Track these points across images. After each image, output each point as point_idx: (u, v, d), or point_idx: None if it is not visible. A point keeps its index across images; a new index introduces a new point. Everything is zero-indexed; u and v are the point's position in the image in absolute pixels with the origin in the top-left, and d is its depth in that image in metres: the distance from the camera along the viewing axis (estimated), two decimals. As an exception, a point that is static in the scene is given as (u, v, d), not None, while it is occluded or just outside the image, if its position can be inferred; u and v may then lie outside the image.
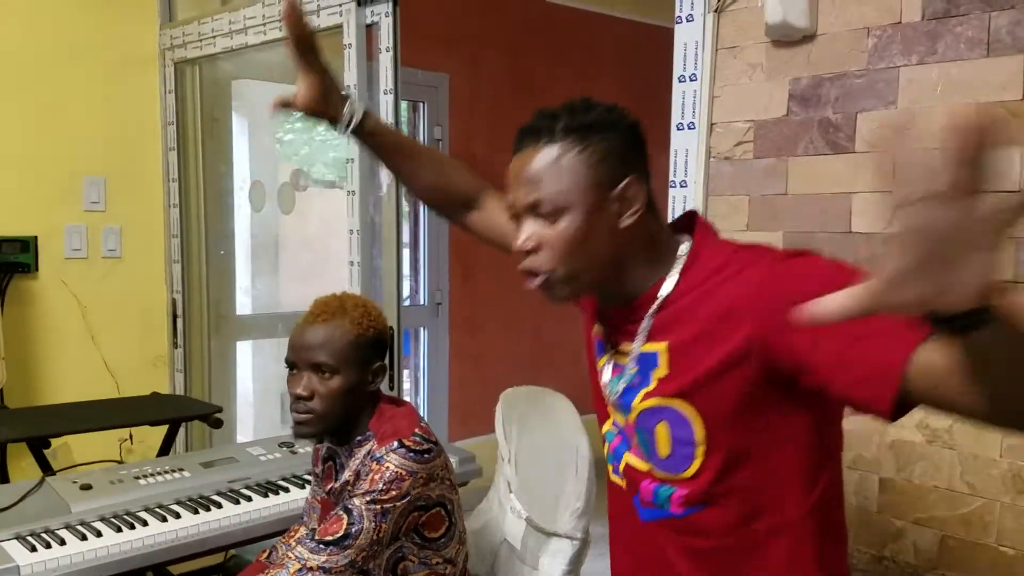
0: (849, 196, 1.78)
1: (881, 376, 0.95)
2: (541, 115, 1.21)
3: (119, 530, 1.89)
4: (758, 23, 1.87)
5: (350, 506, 1.56)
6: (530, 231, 1.19)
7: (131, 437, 3.25)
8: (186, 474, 2.17)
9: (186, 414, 2.75)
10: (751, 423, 1.14)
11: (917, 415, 1.68)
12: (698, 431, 1.16)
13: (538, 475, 1.86)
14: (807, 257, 1.13)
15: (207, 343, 3.55)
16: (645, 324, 1.21)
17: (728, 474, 1.16)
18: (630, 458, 1.27)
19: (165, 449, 2.63)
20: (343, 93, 1.50)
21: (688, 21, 1.96)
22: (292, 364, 1.68)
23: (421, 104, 4.36)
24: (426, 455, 1.61)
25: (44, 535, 1.83)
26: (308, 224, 4.95)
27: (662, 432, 1.19)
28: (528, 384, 4.65)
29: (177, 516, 1.98)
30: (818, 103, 1.81)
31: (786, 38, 1.83)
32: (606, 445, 1.34)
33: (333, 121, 1.50)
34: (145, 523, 1.93)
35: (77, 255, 3.26)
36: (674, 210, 2.01)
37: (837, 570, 1.24)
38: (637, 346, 1.22)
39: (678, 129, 2.00)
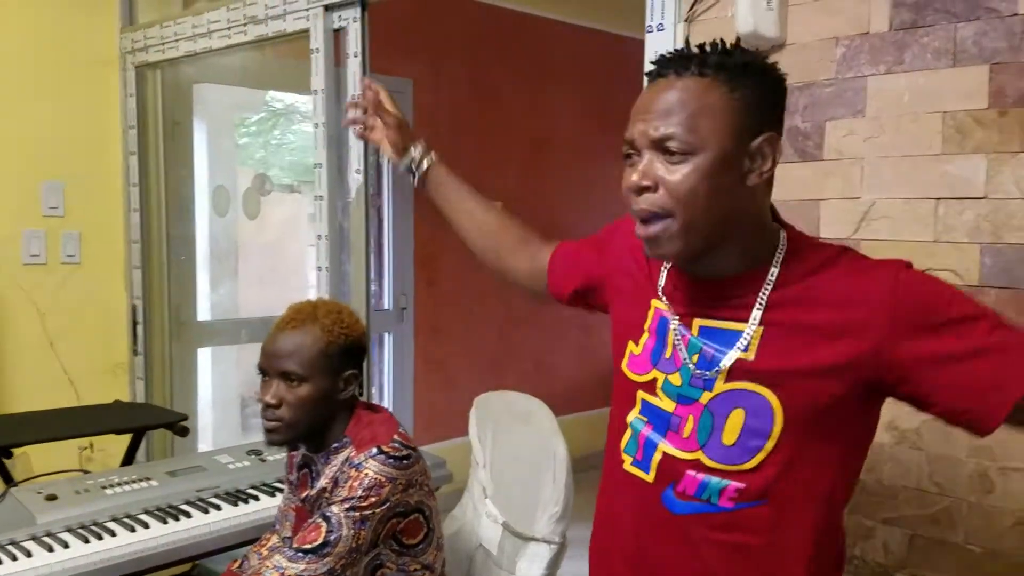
0: (817, 203, 1.81)
1: (998, 392, 1.02)
2: (686, 49, 1.13)
3: (86, 541, 1.86)
4: (727, 33, 1.88)
5: (328, 514, 1.55)
6: (649, 168, 1.09)
7: (91, 446, 3.19)
8: (153, 483, 2.13)
9: (151, 422, 2.71)
10: (830, 426, 1.13)
11: (886, 417, 1.72)
12: (776, 424, 1.12)
13: (514, 480, 1.87)
14: (917, 271, 1.14)
15: (168, 350, 3.50)
16: (760, 301, 1.13)
17: (791, 472, 1.13)
18: (667, 447, 1.18)
19: (129, 458, 2.59)
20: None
21: (659, 30, 1.98)
22: (263, 371, 1.67)
23: (384, 109, 4.34)
24: (405, 461, 1.61)
25: (10, 547, 1.79)
26: (268, 229, 4.92)
27: (735, 419, 1.13)
28: (493, 389, 4.65)
29: (146, 526, 1.95)
30: (787, 111, 1.84)
31: (755, 48, 1.86)
32: (628, 435, 1.24)
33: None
34: (113, 533, 1.90)
35: (35, 261, 3.19)
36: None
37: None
38: (751, 326, 1.13)
39: (650, 136, 2.02)
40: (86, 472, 2.69)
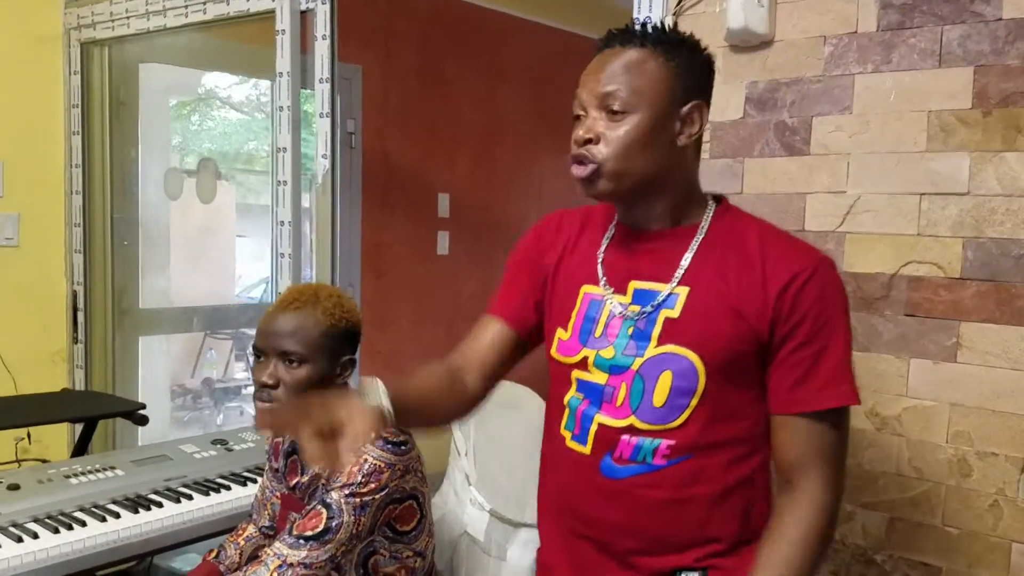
0: (804, 196, 1.86)
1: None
2: (629, 25, 1.29)
3: (56, 531, 1.78)
4: (716, 28, 1.92)
5: (328, 500, 1.53)
6: (593, 124, 1.24)
7: (28, 436, 3.06)
8: (119, 472, 2.06)
9: (107, 411, 2.61)
10: (742, 377, 1.26)
11: (867, 404, 1.78)
12: (700, 382, 1.24)
13: (501, 467, 1.86)
14: (830, 274, 1.28)
15: (111, 338, 3.38)
16: (685, 261, 1.28)
17: (713, 426, 1.25)
18: (603, 418, 1.29)
19: (82, 449, 2.48)
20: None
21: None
22: (259, 351, 1.63)
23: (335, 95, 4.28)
24: (403, 447, 1.59)
25: (-24, 538, 1.71)
26: (194, 217, 4.78)
27: (664, 381, 1.25)
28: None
29: (117, 516, 1.88)
30: (775, 107, 1.89)
31: (744, 43, 1.90)
32: (566, 414, 1.34)
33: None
34: (83, 524, 1.83)
35: (-29, 243, 3.05)
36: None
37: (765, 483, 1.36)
38: (671, 286, 1.27)
39: (635, 127, 2.04)
40: (20, 463, 2.58)
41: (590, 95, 1.25)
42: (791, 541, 1.22)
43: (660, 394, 1.25)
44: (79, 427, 2.52)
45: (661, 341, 1.26)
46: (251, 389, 5.69)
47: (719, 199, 1.36)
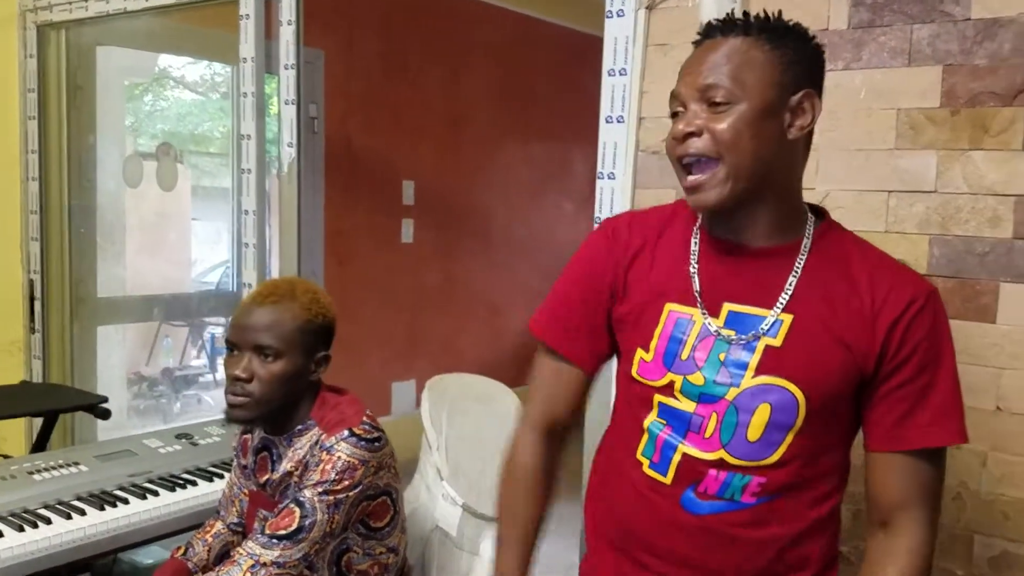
0: (774, 192, 1.87)
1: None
2: (733, 14, 1.20)
3: (21, 529, 1.76)
4: (689, 22, 1.92)
5: (301, 499, 1.51)
6: (695, 117, 1.15)
7: (-20, 431, 3.00)
8: (83, 468, 2.03)
9: (68, 404, 2.56)
10: (838, 413, 1.20)
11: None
12: (799, 417, 1.16)
13: (473, 462, 1.86)
14: (938, 304, 1.21)
15: (68, 327, 3.32)
16: (790, 285, 1.18)
17: (809, 462, 1.18)
18: (688, 448, 1.20)
19: (42, 443, 2.43)
20: None
21: (619, 16, 2.00)
22: (233, 344, 1.60)
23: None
24: (376, 443, 1.59)
25: (-61, 538, 1.67)
26: (148, 202, 4.70)
27: (761, 414, 1.16)
28: (402, 371, 4.63)
29: (82, 513, 1.85)
30: (746, 102, 1.89)
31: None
32: (645, 439, 1.25)
33: None
34: (48, 521, 1.80)
35: (-77, 231, 2.97)
36: (602, 202, 2.06)
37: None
38: (776, 313, 1.18)
39: (607, 122, 2.04)
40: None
41: (689, 89, 1.16)
42: None
43: (756, 428, 1.16)
44: (37, 420, 2.48)
45: (760, 371, 1.17)
46: (208, 377, 5.63)
47: (819, 212, 1.27)
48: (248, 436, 1.77)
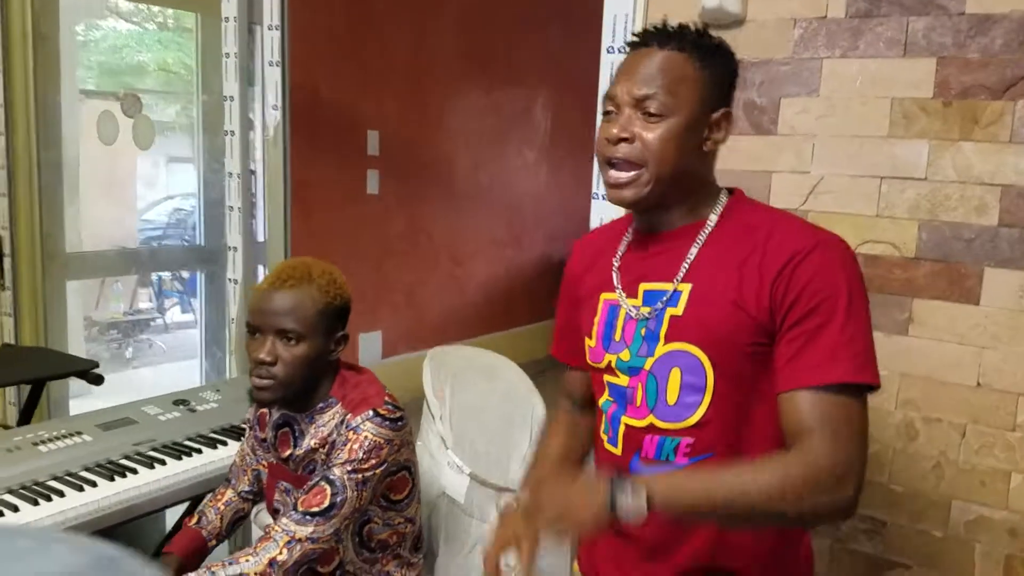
0: (769, 175, 1.94)
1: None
2: (666, 24, 1.28)
3: (36, 503, 1.77)
4: (691, 4, 1.97)
5: (332, 477, 1.57)
6: (628, 123, 1.24)
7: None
8: (86, 438, 2.04)
9: (59, 371, 2.54)
10: (753, 368, 1.24)
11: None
12: (709, 378, 1.24)
13: (480, 433, 1.93)
14: (840, 258, 1.23)
15: (41, 284, 3.27)
16: (689, 258, 1.28)
17: (736, 426, 1.26)
18: (628, 419, 1.32)
19: (28, 414, 2.42)
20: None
21: (620, -6, 2.03)
22: (255, 328, 1.63)
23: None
24: (399, 422, 1.64)
25: (-43, 514, 1.69)
26: (90, 148, 4.57)
27: (674, 378, 1.26)
28: (366, 322, 4.65)
29: (93, 484, 1.87)
30: (743, 86, 1.95)
31: (716, 22, 1.95)
32: (602, 419, 1.37)
33: None
34: (62, 494, 1.82)
35: None
36: (597, 177, 2.11)
37: None
38: (675, 284, 1.28)
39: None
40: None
41: (626, 94, 1.25)
42: (743, 469, 1.17)
43: (672, 392, 1.26)
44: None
45: (668, 339, 1.27)
46: (159, 321, 5.58)
47: (732, 192, 1.36)
48: (265, 411, 1.81)
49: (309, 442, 1.68)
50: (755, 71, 1.94)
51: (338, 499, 1.56)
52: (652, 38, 1.27)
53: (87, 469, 1.94)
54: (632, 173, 1.25)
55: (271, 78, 2.58)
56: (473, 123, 5.29)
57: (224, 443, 2.14)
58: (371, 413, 1.61)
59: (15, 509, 1.74)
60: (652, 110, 1.23)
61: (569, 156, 5.94)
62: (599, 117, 2.07)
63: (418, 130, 4.94)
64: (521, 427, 1.81)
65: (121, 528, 1.89)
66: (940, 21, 1.76)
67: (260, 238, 3.13)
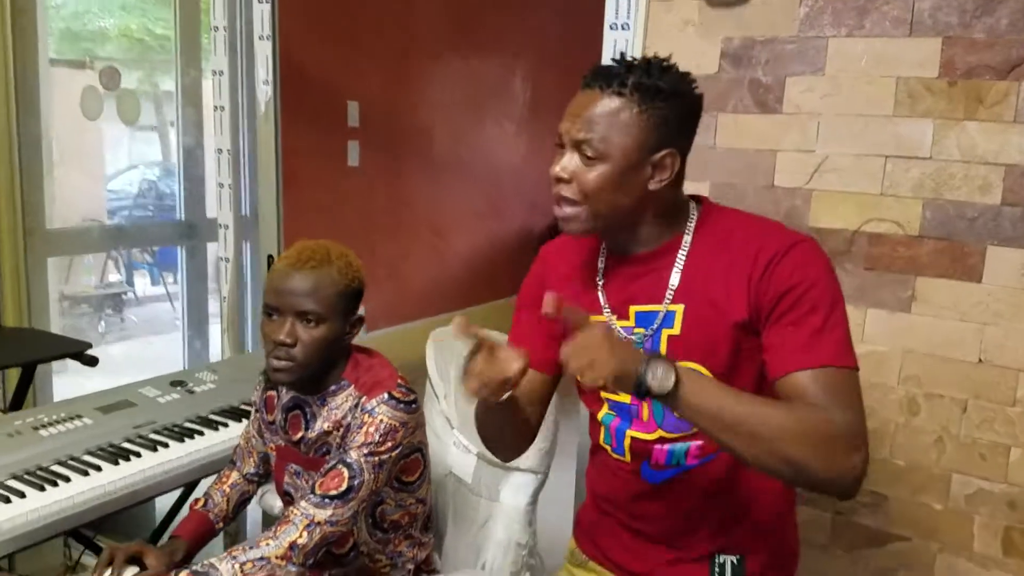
0: (774, 153, 1.95)
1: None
2: (619, 63, 1.30)
3: (42, 489, 1.75)
4: (696, -20, 1.96)
5: (349, 460, 1.57)
6: (568, 163, 1.30)
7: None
8: (87, 421, 2.02)
9: (51, 352, 2.49)
10: (750, 368, 1.31)
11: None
12: None
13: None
14: (813, 257, 1.30)
15: (23, 261, 3.20)
16: (674, 280, 1.33)
17: None
18: (634, 432, 1.40)
19: (20, 398, 2.37)
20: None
21: (624, -29, 2.01)
22: (273, 309, 1.62)
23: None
24: (413, 405, 1.64)
25: (-38, 502, 1.67)
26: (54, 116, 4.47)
27: None
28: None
29: (98, 469, 1.85)
30: (749, 63, 1.95)
31: (722, 0, 1.94)
32: (603, 430, 1.46)
33: None
34: (67, 479, 1.80)
35: None
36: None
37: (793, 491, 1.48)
38: (665, 305, 1.33)
39: (608, 76, 2.07)
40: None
41: (567, 136, 1.30)
42: (768, 401, 1.21)
43: None
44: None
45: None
46: (130, 296, 5.51)
47: (699, 202, 1.40)
48: (273, 393, 1.79)
49: (321, 425, 1.67)
50: (760, 49, 1.94)
51: (356, 482, 1.55)
52: (596, 79, 1.29)
53: (90, 453, 1.92)
54: (573, 210, 1.31)
55: (261, 52, 2.53)
56: (453, 94, 5.25)
57: (225, 425, 2.13)
58: (386, 396, 1.61)
59: (22, 495, 1.72)
60: (588, 154, 1.28)
61: (549, 127, 5.90)
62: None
63: (399, 101, 4.89)
64: (530, 406, 1.81)
65: (114, 515, 1.87)
66: (946, 0, 1.77)
67: (242, 212, 3.10)
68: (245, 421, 2.14)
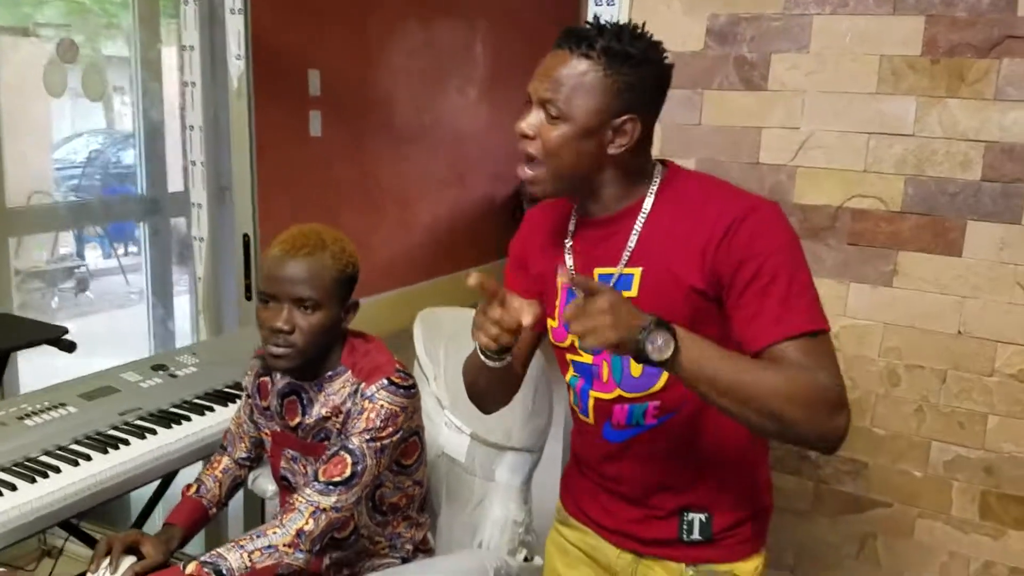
0: (759, 130, 1.97)
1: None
2: (592, 26, 1.31)
3: (33, 481, 1.73)
4: (680, -43, 1.96)
5: (351, 446, 1.57)
6: (533, 120, 1.32)
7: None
8: (71, 409, 1.99)
9: (29, 339, 2.43)
10: (709, 331, 1.28)
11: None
12: None
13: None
14: (774, 219, 1.31)
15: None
16: (631, 242, 1.35)
17: None
18: (596, 393, 1.43)
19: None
20: None
21: (608, -54, 2.00)
22: (270, 296, 1.61)
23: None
24: (412, 390, 1.65)
25: (-48, 497, 1.64)
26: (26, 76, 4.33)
27: None
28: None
29: (88, 458, 1.83)
30: (734, 41, 1.97)
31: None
32: (571, 392, 1.50)
33: None
34: (58, 470, 1.77)
35: None
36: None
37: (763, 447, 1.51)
38: (620, 268, 1.36)
39: (593, 53, 2.06)
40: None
41: (534, 94, 1.32)
42: (760, 364, 1.23)
43: (636, 366, 1.35)
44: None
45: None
46: (82, 270, 5.39)
47: (665, 165, 1.41)
48: (267, 379, 1.78)
49: (319, 410, 1.67)
50: (746, 26, 1.95)
51: (359, 468, 1.56)
52: (567, 41, 1.30)
53: (77, 442, 1.90)
54: (534, 172, 1.34)
55: (232, 27, 2.48)
56: (415, 60, 5.20)
57: (211, 409, 2.11)
58: (385, 382, 1.61)
59: (13, 488, 1.70)
60: (552, 113, 1.30)
61: (511, 93, 5.88)
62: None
63: (360, 69, 4.83)
64: (524, 387, 1.82)
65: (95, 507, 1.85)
66: (929, -21, 1.80)
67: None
68: (231, 405, 2.13)
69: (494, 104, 5.89)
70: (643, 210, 1.36)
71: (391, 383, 1.61)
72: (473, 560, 1.76)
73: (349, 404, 1.63)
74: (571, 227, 1.45)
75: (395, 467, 1.70)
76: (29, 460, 1.80)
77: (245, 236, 2.58)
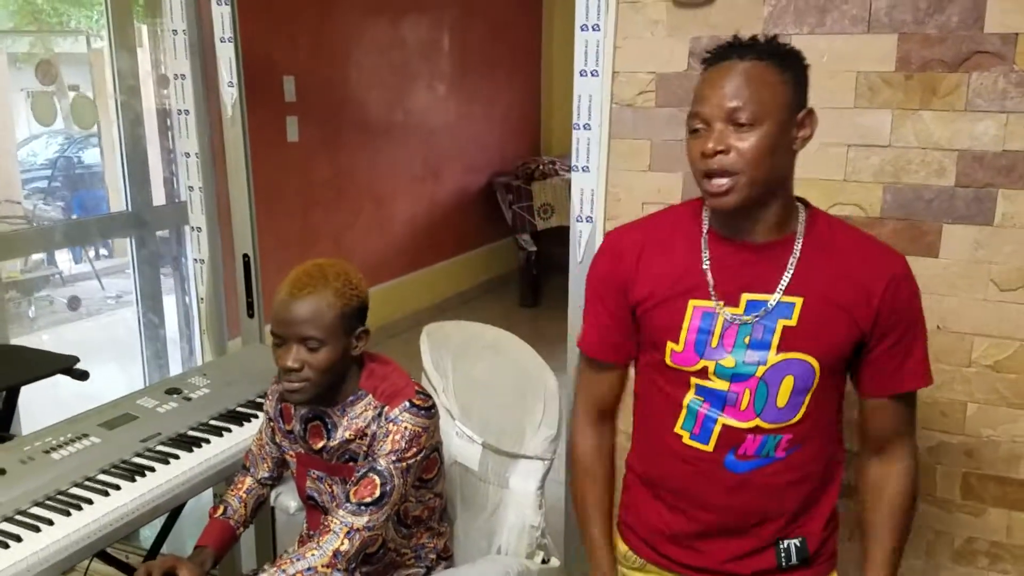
0: (744, 143, 2.07)
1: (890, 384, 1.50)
2: (735, 39, 1.38)
3: (68, 514, 1.80)
4: (660, -20, 2.04)
5: (379, 468, 1.66)
6: (723, 136, 1.34)
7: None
8: (94, 439, 2.06)
9: (38, 372, 2.43)
10: (841, 371, 1.48)
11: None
12: (816, 380, 1.43)
13: (490, 405, 2.03)
14: (910, 275, 1.47)
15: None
16: (788, 271, 1.41)
17: (821, 413, 1.47)
18: (727, 420, 1.44)
19: (6, 422, 2.34)
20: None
21: (593, -29, 2.08)
22: (280, 337, 1.68)
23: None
24: (432, 410, 1.73)
25: (-8, 535, 1.70)
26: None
27: (787, 384, 1.41)
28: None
29: (117, 488, 1.90)
30: (717, 59, 2.06)
31: (689, 0, 2.04)
32: (683, 414, 1.48)
33: None
34: (90, 502, 1.84)
35: None
36: (578, 150, 2.19)
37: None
38: (778, 295, 1.41)
39: (581, 76, 2.15)
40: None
41: (715, 109, 1.34)
42: (902, 509, 1.52)
43: (783, 396, 1.41)
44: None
45: (781, 348, 1.40)
46: (56, 277, 5.39)
47: (805, 204, 1.49)
48: (288, 403, 1.86)
49: (343, 433, 1.75)
50: (727, 46, 2.04)
51: (387, 488, 1.65)
52: (731, 52, 1.37)
53: (104, 472, 1.96)
54: (731, 181, 1.34)
55: (224, 55, 2.52)
56: (382, 59, 5.24)
57: (228, 430, 2.19)
58: (407, 404, 1.70)
59: (50, 523, 1.76)
60: (743, 120, 1.32)
61: (478, 84, 5.95)
62: (575, 98, 2.16)
63: (334, 72, 4.87)
64: (534, 398, 1.92)
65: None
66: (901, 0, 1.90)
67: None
68: (246, 424, 2.21)
69: (462, 96, 5.95)
70: (798, 238, 1.42)
71: (413, 405, 1.70)
72: (497, 566, 1.86)
73: (374, 427, 1.72)
74: (705, 247, 1.46)
75: (417, 482, 1.79)
76: (61, 493, 1.87)
77: (245, 256, 2.64)
